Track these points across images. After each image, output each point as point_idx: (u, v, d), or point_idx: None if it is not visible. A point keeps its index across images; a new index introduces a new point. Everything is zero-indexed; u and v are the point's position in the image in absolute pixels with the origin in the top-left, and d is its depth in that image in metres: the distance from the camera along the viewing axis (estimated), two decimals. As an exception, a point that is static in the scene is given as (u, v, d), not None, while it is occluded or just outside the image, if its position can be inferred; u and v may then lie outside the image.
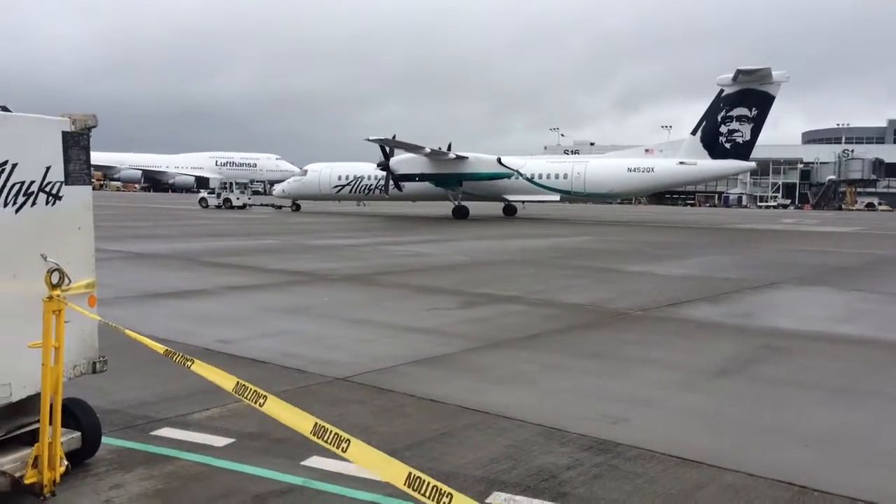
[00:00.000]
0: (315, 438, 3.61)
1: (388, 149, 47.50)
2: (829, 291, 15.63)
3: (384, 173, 48.71)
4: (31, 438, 4.57)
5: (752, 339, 10.06)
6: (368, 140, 45.84)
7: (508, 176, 48.58)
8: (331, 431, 3.47)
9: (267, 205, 63.53)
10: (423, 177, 48.30)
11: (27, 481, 4.26)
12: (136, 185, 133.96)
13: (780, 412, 6.84)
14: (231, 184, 65.75)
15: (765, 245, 29.73)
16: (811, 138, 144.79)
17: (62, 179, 4.83)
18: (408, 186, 49.45)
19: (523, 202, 51.29)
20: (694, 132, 46.02)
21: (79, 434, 4.94)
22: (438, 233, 33.49)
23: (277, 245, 24.08)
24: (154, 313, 11.14)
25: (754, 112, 43.87)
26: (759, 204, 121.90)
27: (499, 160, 48.78)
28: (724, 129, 44.46)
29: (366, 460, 3.49)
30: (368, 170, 50.79)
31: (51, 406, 4.32)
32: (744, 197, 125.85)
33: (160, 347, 4.52)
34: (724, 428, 6.36)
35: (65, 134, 4.84)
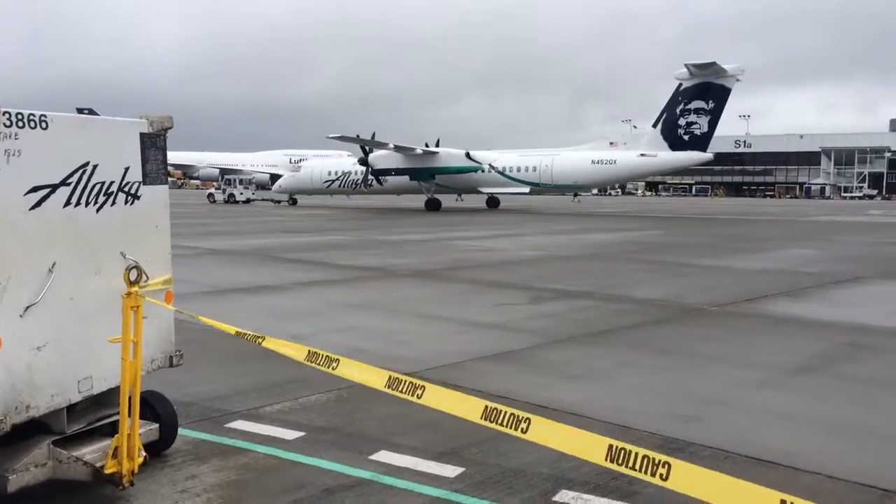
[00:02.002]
0: (390, 391, 3.74)
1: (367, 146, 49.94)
2: (918, 286, 14.90)
3: (363, 168, 51.19)
4: (112, 430, 4.73)
5: (835, 336, 9.67)
6: (328, 137, 50.10)
7: (476, 170, 50.83)
8: (405, 381, 3.73)
9: (267, 199, 66.32)
10: (398, 171, 50.90)
11: (107, 471, 4.41)
12: (214, 183, 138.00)
13: (865, 413, 6.56)
14: (235, 180, 70.24)
15: (848, 238, 28.57)
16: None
17: (140, 179, 4.98)
18: (386, 180, 51.95)
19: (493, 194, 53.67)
20: (655, 125, 47.50)
21: (157, 426, 5.11)
22: (508, 227, 33.39)
23: (347, 241, 24.41)
24: (229, 308, 11.43)
25: (711, 105, 45.43)
26: (843, 195, 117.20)
27: (467, 154, 51.14)
28: (682, 121, 45.98)
29: (442, 403, 3.58)
30: (355, 165, 53.03)
31: (130, 399, 4.47)
32: (827, 188, 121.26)
33: (231, 329, 4.65)
34: (803, 428, 6.13)
35: (142, 135, 4.99)
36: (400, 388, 3.65)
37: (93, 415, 4.84)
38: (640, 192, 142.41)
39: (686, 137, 46.13)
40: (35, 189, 4.24)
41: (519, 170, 50.74)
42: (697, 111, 45.72)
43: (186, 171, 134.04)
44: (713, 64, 44.46)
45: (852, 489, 4.82)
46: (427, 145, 51.30)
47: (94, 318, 4.60)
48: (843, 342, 9.30)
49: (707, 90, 45.45)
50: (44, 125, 4.27)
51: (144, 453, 4.65)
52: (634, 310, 11.57)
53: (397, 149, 49.49)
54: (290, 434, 5.88)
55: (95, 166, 4.63)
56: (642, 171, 51.20)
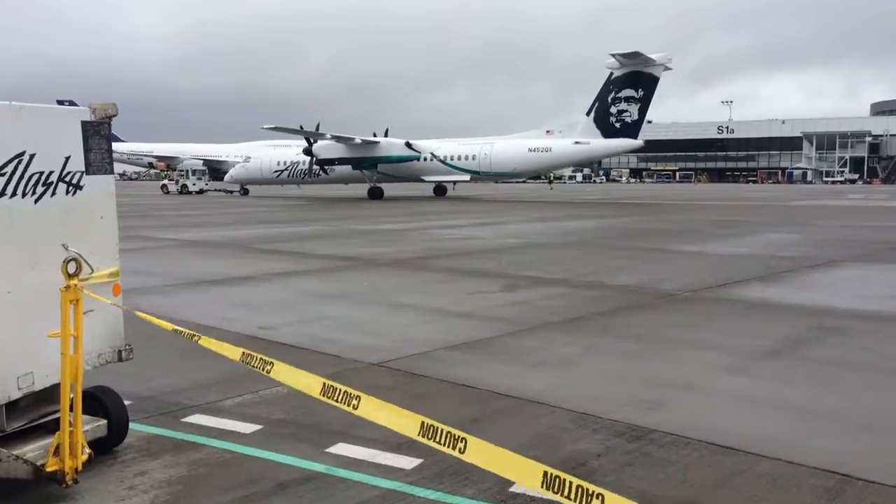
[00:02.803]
0: (325, 398, 3.60)
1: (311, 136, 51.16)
2: (893, 269, 14.94)
3: (308, 158, 52.39)
4: (57, 427, 4.61)
5: (805, 320, 9.66)
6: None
7: (416, 158, 52.35)
8: (340, 390, 3.44)
9: (220, 190, 67.12)
10: (341, 161, 52.20)
11: (48, 469, 4.29)
12: (170, 174, 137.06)
13: (829, 396, 6.53)
14: (188, 171, 72.50)
15: (828, 222, 28.69)
16: (880, 109, 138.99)
17: (83, 169, 4.84)
18: (333, 170, 53.27)
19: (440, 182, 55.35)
20: (588, 113, 48.85)
21: (105, 422, 4.98)
22: (488, 216, 33.32)
23: (325, 231, 24.25)
24: (201, 300, 11.29)
25: (641, 93, 46.91)
26: (824, 179, 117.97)
27: (407, 144, 52.66)
28: (613, 109, 47.52)
29: (378, 415, 3.45)
30: (303, 155, 53.74)
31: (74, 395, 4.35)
32: (808, 172, 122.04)
33: (168, 325, 4.52)
34: (767, 413, 6.08)
35: (84, 123, 4.85)
36: (335, 397, 3.52)
37: (36, 411, 4.71)
38: (624, 179, 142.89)
39: (618, 125, 47.53)
40: (-36, 180, 4.09)
41: (459, 158, 52.15)
42: (628, 99, 47.15)
43: (170, 163, 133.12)
44: (639, 54, 45.69)
45: (812, 474, 4.77)
46: (375, 135, 52.85)
47: (33, 313, 4.47)
48: (813, 325, 9.29)
49: (636, 79, 46.76)
50: (-27, 113, 4.11)
51: (89, 450, 4.54)
52: (609, 296, 11.52)
53: (337, 139, 50.66)
54: (248, 427, 5.77)
55: (32, 156, 4.48)
56: (577, 158, 53.55)
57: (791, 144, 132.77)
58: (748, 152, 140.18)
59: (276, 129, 52.48)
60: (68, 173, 4.74)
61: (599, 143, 48.75)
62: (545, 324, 9.44)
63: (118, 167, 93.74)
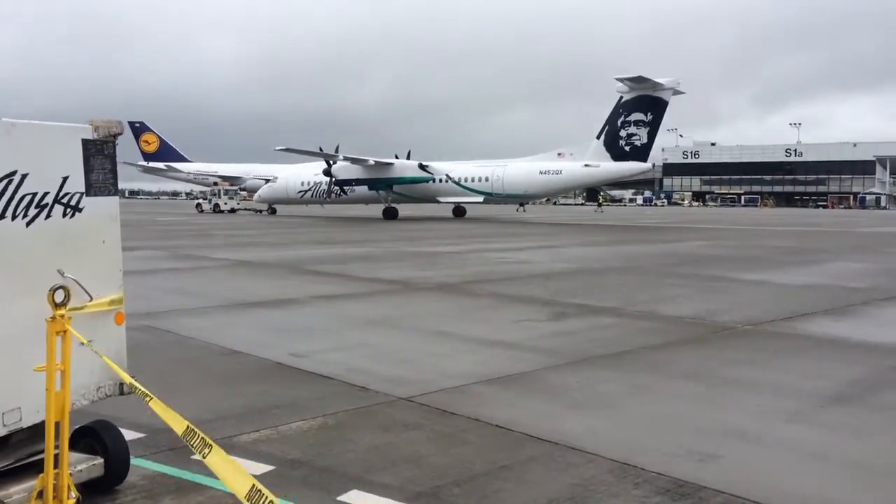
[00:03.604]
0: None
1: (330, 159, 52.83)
2: (976, 303, 13.82)
3: (328, 178, 53.97)
4: (56, 463, 4.29)
5: (879, 360, 8.85)
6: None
7: (429, 180, 53.77)
8: (265, 498, 3.03)
9: (249, 209, 68.93)
10: (358, 181, 53.90)
11: (29, 514, 3.96)
12: (201, 194, 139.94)
13: (906, 452, 5.80)
14: (220, 191, 75.10)
15: (903, 250, 27.18)
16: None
17: (82, 190, 4.55)
18: (353, 190, 54.93)
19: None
20: (598, 136, 49.49)
21: (101, 461, 4.65)
22: (543, 239, 32.71)
23: (376, 253, 23.99)
24: (237, 323, 11.05)
25: (650, 116, 47.57)
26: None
27: (420, 165, 53.99)
28: (623, 133, 48.14)
29: None
30: (319, 176, 55.47)
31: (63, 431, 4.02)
32: (882, 198, 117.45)
33: (126, 377, 4.13)
34: (834, 469, 5.41)
35: (85, 142, 4.57)
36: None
37: (27, 449, 4.40)
38: (686, 202, 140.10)
39: (627, 148, 48.18)
40: (-55, 201, 3.82)
41: (473, 180, 53.41)
42: (637, 123, 47.75)
43: (234, 183, 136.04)
44: (645, 79, 46.15)
45: (886, 550, 4.12)
46: (397, 157, 54.39)
47: (22, 344, 4.16)
48: (888, 366, 8.48)
49: (645, 103, 47.30)
50: (-43, 131, 3.85)
51: (76, 494, 4.18)
52: (661, 328, 10.85)
53: (352, 160, 52.12)
54: (259, 468, 5.37)
55: (24, 176, 4.20)
56: (586, 180, 54.47)
57: (863, 168, 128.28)
58: (818, 176, 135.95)
59: (287, 150, 53.77)
60: (66, 195, 4.45)
61: (609, 166, 49.19)
62: (590, 357, 8.85)
63: (184, 186, 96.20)
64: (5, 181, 4.10)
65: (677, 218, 64.86)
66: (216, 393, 7.32)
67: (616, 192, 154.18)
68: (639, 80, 46.33)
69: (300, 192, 57.47)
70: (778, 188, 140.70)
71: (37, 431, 4.44)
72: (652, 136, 48.09)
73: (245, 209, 69.40)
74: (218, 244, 27.02)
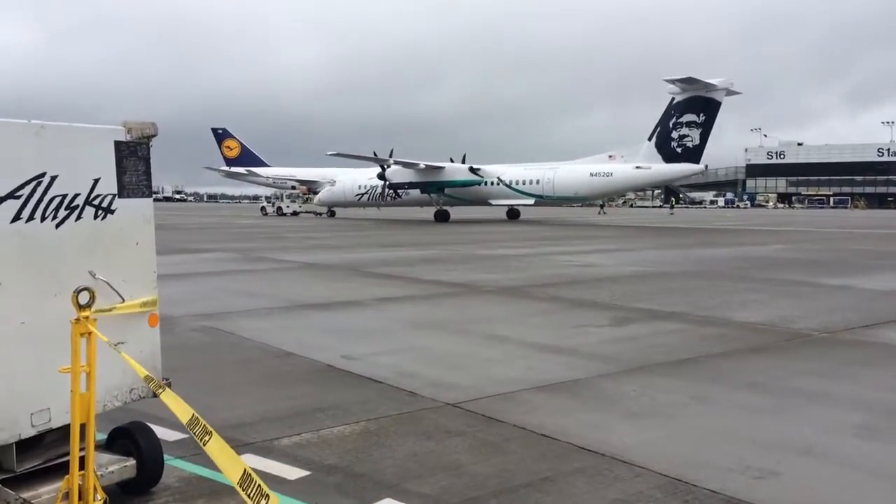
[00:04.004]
0: (240, 489, 3.06)
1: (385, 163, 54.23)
2: None
3: (382, 182, 55.35)
4: (80, 466, 4.30)
5: (968, 372, 8.18)
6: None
7: (479, 182, 54.14)
8: (255, 484, 2.98)
9: (310, 212, 70.39)
10: (411, 185, 54.92)
11: (55, 516, 3.95)
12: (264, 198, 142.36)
13: None
14: (283, 195, 78.31)
15: None
16: None
17: (115, 192, 4.55)
18: (408, 193, 55.96)
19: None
20: (650, 138, 49.16)
21: (133, 462, 4.63)
22: (614, 242, 32.03)
23: (442, 255, 23.90)
24: (295, 325, 11.09)
25: (702, 118, 46.99)
26: None
27: (471, 168, 54.25)
28: (675, 134, 47.72)
29: None
30: (373, 180, 57.14)
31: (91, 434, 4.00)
32: None
33: (142, 371, 4.04)
34: (908, 492, 4.96)
35: (118, 144, 4.56)
36: (248, 490, 2.97)
37: (58, 449, 4.41)
38: (770, 204, 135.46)
39: (679, 150, 47.79)
40: (-27, 203, 3.85)
41: (524, 182, 53.67)
42: (689, 124, 47.39)
43: (311, 187, 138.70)
44: (694, 79, 45.56)
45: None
46: (452, 160, 55.02)
47: (53, 345, 4.16)
48: (978, 380, 7.82)
49: (698, 104, 46.85)
50: (-16, 132, 3.87)
51: (102, 496, 4.16)
52: (729, 335, 10.35)
53: (402, 164, 53.35)
54: (294, 473, 5.28)
55: (54, 178, 4.21)
56: (637, 182, 54.01)
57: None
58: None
59: (338, 155, 56.16)
60: (97, 196, 4.45)
61: (660, 168, 48.83)
62: (649, 365, 8.48)
63: (264, 191, 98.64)
64: (34, 183, 4.12)
65: (759, 220, 62.68)
66: (264, 395, 7.30)
67: (696, 194, 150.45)
68: (689, 81, 45.86)
69: (357, 195, 59.13)
70: (870, 189, 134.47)
71: (65, 433, 4.45)
72: (704, 138, 47.52)
73: (306, 212, 71.28)
74: (289, 246, 27.45)
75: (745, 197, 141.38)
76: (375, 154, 54.03)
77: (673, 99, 47.91)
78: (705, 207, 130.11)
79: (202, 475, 5.24)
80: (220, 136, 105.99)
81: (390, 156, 52.99)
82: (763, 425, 6.35)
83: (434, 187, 54.57)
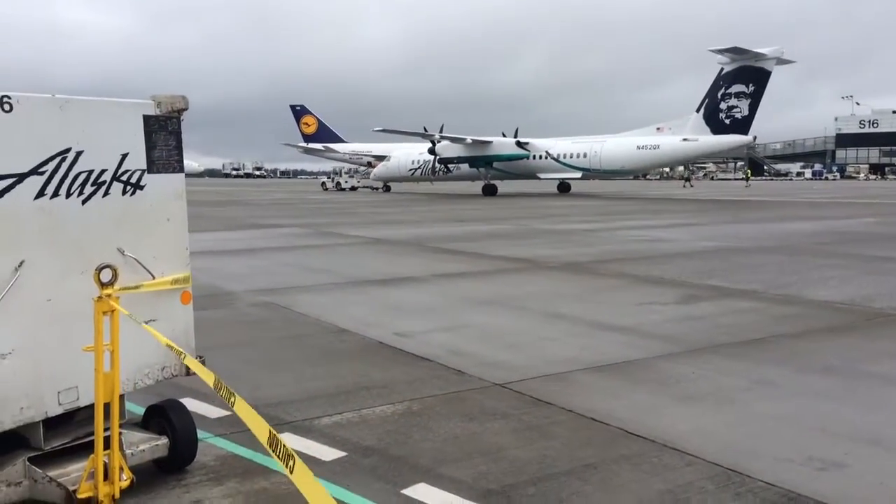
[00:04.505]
0: (269, 447, 2.98)
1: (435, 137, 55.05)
2: None
3: (432, 157, 56.25)
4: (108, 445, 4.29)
5: None
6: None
7: (525, 156, 54.56)
8: (281, 446, 2.89)
9: (367, 187, 72.09)
10: (460, 159, 55.67)
11: (80, 495, 3.95)
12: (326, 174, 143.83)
13: None
14: (341, 171, 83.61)
15: None
16: None
17: (144, 167, 4.49)
18: (458, 168, 56.86)
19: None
20: (698, 110, 48.43)
21: (165, 441, 4.60)
22: (690, 216, 31.02)
23: (510, 230, 23.59)
24: (355, 300, 11.05)
25: (751, 88, 46.16)
26: None
27: (517, 143, 54.62)
28: (723, 105, 46.88)
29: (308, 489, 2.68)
30: (424, 154, 58.10)
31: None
32: None
33: (163, 339, 3.94)
34: None
35: (147, 118, 4.49)
36: (277, 451, 2.81)
37: (87, 428, 4.40)
38: (861, 175, 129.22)
39: (727, 121, 46.96)
40: (-6, 179, 3.82)
41: (571, 156, 53.69)
42: (738, 95, 46.48)
43: (372, 163, 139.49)
44: (740, 49, 44.65)
45: None
46: (504, 135, 55.48)
47: (79, 323, 4.13)
48: None
49: (747, 74, 45.88)
50: (6, 107, 3.84)
51: (128, 476, 4.14)
52: (804, 314, 9.78)
53: (450, 140, 54.26)
54: (330, 454, 5.18)
55: (79, 153, 4.16)
56: (685, 155, 52.88)
57: None
58: None
59: (384, 130, 58.13)
60: (125, 172, 4.39)
61: (708, 140, 48.13)
62: (714, 345, 8.07)
63: (341, 166, 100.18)
64: (58, 159, 4.07)
65: (848, 192, 59.81)
66: (312, 372, 7.25)
67: (782, 166, 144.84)
68: (736, 51, 45.00)
69: (411, 170, 60.05)
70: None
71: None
72: (753, 108, 46.56)
73: (364, 187, 73.28)
74: (356, 222, 27.60)
75: (835, 168, 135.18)
76: (426, 129, 54.94)
77: (722, 69, 47.00)
78: (791, 179, 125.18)
79: (238, 454, 5.20)
80: (298, 112, 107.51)
81: (440, 131, 53.91)
82: (831, 412, 5.91)
83: (482, 161, 55.27)
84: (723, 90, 46.95)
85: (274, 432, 3.04)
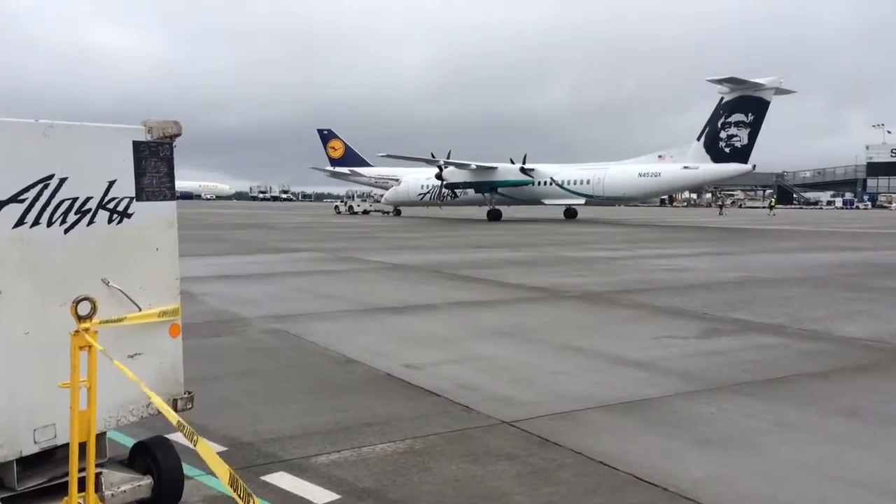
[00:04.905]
0: (230, 488, 2.96)
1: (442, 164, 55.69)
2: None
3: (440, 182, 56.58)
4: (95, 483, 4.09)
5: None
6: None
7: (529, 182, 55.23)
8: (241, 488, 2.91)
9: (378, 211, 73.23)
10: (466, 185, 56.48)
11: (52, 538, 3.74)
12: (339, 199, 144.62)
13: None
14: (353, 195, 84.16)
15: None
16: None
17: (132, 195, 4.32)
18: (466, 192, 57.51)
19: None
20: (699, 138, 49.29)
21: (149, 481, 4.39)
22: (717, 245, 30.51)
23: (532, 257, 23.28)
24: (364, 329, 10.84)
25: (751, 117, 46.82)
26: None
27: (521, 169, 55.19)
28: (723, 134, 47.73)
29: None
30: (431, 180, 58.38)
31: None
32: None
33: (133, 377, 3.76)
34: None
35: (137, 144, 4.34)
36: (238, 490, 2.68)
37: (63, 468, 4.20)
38: (893, 205, 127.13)
39: (727, 150, 47.83)
40: (-30, 207, 3.68)
41: (575, 182, 54.64)
42: (738, 124, 47.20)
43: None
44: (736, 79, 45.54)
45: None
46: (512, 161, 56.04)
47: (58, 357, 3.95)
48: None
49: (747, 103, 46.59)
50: (-15, 133, 3.70)
51: (105, 519, 3.93)
52: (830, 351, 9.39)
53: (455, 165, 55.19)
54: (324, 496, 4.95)
55: (63, 180, 4.00)
56: (685, 183, 54.18)
57: None
58: None
59: (388, 156, 59.18)
60: (112, 199, 4.23)
61: (708, 168, 49.03)
62: (734, 384, 7.73)
63: (367, 190, 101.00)
64: (40, 186, 3.92)
65: (879, 222, 58.74)
66: (314, 405, 7.03)
67: (812, 195, 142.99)
68: (734, 81, 45.77)
69: (420, 194, 60.85)
70: None
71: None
72: (753, 138, 47.22)
73: (375, 211, 74.30)
74: (376, 247, 27.46)
75: (866, 197, 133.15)
76: (433, 155, 55.94)
77: (722, 98, 47.69)
78: (821, 208, 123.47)
79: (228, 494, 4.95)
80: (326, 136, 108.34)
81: (448, 157, 54.90)
82: (857, 460, 5.57)
83: (487, 187, 56.13)
84: (723, 119, 47.83)
85: (234, 474, 2.95)
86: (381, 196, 77.49)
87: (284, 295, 14.38)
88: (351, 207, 76.86)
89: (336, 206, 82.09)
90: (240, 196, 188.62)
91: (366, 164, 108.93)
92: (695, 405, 6.99)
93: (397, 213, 67.40)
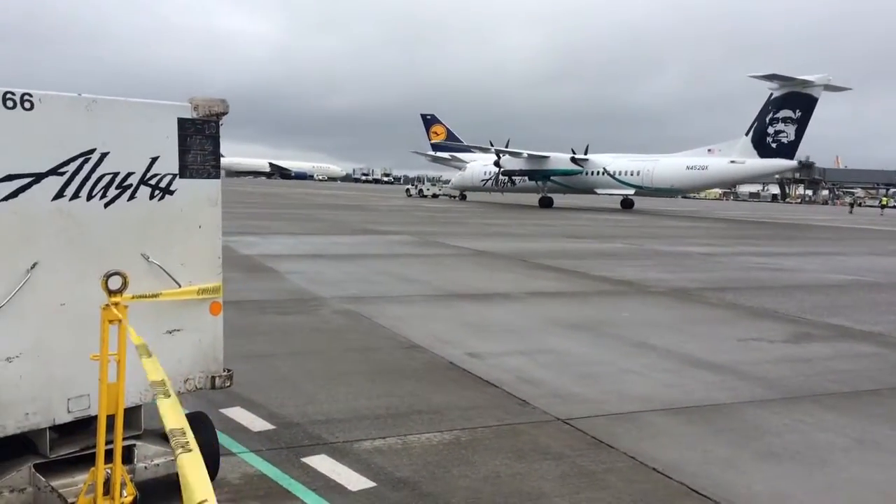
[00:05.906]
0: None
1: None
2: None
3: (497, 169, 58.58)
4: (126, 456, 4.15)
5: None
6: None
7: (578, 172, 56.74)
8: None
9: (446, 195, 75.49)
10: (521, 172, 58.40)
11: (77, 508, 3.80)
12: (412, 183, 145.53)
13: None
14: (424, 178, 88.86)
15: None
16: None
17: (175, 172, 4.33)
18: (524, 180, 59.32)
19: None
20: (747, 133, 49.71)
21: (181, 455, 4.41)
22: (825, 245, 28.85)
23: (623, 250, 22.62)
24: (436, 315, 10.75)
25: (798, 114, 47.19)
26: None
27: (572, 159, 56.68)
28: (771, 130, 48.14)
29: None
30: (495, 167, 59.87)
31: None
32: None
33: (151, 366, 3.69)
34: None
35: (182, 121, 4.34)
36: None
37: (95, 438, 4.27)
38: None
39: (774, 146, 48.13)
40: (8, 178, 3.75)
41: (625, 173, 55.80)
42: (785, 120, 47.55)
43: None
44: (776, 76, 46.09)
45: None
46: (573, 152, 57.34)
47: (94, 329, 4.00)
48: None
49: (795, 100, 46.91)
50: (26, 105, 3.76)
51: (129, 492, 3.96)
52: (933, 364, 8.62)
53: (510, 154, 57.07)
54: (360, 483, 4.87)
55: (104, 154, 4.04)
56: (731, 177, 54.88)
57: None
58: None
59: (437, 146, 64.63)
60: (154, 175, 4.25)
61: (755, 163, 49.32)
62: (816, 394, 7.19)
63: (437, 175, 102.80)
64: (81, 160, 3.97)
65: None
66: (370, 389, 6.97)
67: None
68: (771, 78, 46.35)
69: (482, 180, 63.28)
70: None
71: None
72: (800, 134, 47.60)
73: (444, 195, 76.77)
74: (464, 232, 27.35)
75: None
76: (491, 143, 58.03)
77: (771, 94, 48.00)
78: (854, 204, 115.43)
79: (266, 474, 4.97)
80: (429, 121, 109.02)
81: (507, 145, 57.22)
82: (943, 489, 5.04)
83: (540, 175, 57.86)
84: (771, 115, 48.03)
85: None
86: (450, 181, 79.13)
87: (365, 276, 14.47)
88: (421, 191, 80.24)
89: (407, 189, 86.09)
90: (344, 178, 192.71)
91: (467, 150, 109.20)
92: (768, 414, 6.53)
93: (462, 197, 69.69)
